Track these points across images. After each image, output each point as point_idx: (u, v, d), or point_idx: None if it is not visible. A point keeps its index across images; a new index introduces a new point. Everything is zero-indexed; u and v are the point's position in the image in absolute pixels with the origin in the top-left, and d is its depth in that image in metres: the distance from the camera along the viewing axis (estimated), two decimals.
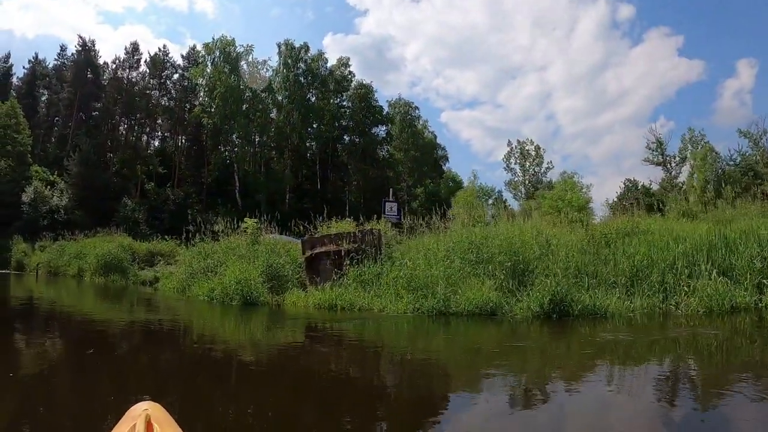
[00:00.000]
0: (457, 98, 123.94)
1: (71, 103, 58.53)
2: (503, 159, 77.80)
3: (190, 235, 22.15)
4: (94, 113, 60.33)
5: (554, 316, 11.00)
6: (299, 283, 16.66)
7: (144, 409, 2.49)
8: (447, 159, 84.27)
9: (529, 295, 11.53)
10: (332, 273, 15.81)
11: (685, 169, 53.49)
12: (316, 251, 16.54)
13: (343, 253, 15.83)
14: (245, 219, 20.65)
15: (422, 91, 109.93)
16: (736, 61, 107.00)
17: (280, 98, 62.32)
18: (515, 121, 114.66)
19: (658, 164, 55.62)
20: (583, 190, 58.56)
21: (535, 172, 77.20)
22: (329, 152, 67.31)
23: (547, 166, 76.27)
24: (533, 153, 77.90)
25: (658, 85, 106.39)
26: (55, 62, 65.49)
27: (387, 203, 23.72)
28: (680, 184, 51.90)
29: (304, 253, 17.04)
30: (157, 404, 2.63)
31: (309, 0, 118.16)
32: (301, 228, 19.47)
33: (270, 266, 16.49)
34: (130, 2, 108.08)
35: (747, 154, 50.01)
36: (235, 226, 20.63)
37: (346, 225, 19.68)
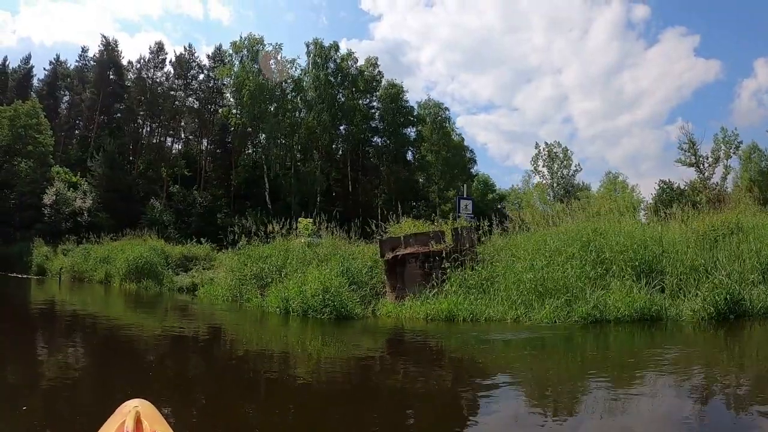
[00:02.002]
0: (472, 102, 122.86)
1: (94, 104, 56.38)
2: (531, 161, 76.23)
3: (235, 238, 19.57)
4: (117, 114, 58.22)
5: (731, 316, 10.06)
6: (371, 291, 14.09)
7: (134, 406, 2.53)
8: (475, 162, 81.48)
9: (686, 296, 10.80)
10: (421, 278, 13.45)
11: (719, 170, 52.28)
12: (399, 253, 13.88)
13: (434, 255, 13.62)
14: (299, 219, 18.47)
15: (438, 96, 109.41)
16: (753, 61, 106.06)
17: (309, 97, 59.72)
18: (532, 124, 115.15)
19: (690, 165, 53.84)
20: (627, 191, 55.76)
21: (563, 174, 75.12)
22: (360, 154, 64.74)
23: (575, 168, 74.47)
24: (561, 155, 75.97)
25: (674, 86, 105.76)
26: (77, 64, 63.50)
27: (462, 200, 21.70)
28: (714, 185, 49.99)
29: (383, 256, 14.42)
30: (146, 401, 2.65)
31: (323, 5, 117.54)
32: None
33: (346, 271, 13.87)
34: (146, 10, 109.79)
35: None
36: (268, 230, 19.13)
37: (411, 225, 17.32)
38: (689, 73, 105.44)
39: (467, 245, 13.97)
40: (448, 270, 13.36)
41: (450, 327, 11.58)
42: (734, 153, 52.31)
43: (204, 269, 24.15)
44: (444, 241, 14.19)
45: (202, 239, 28.44)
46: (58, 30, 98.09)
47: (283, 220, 19.50)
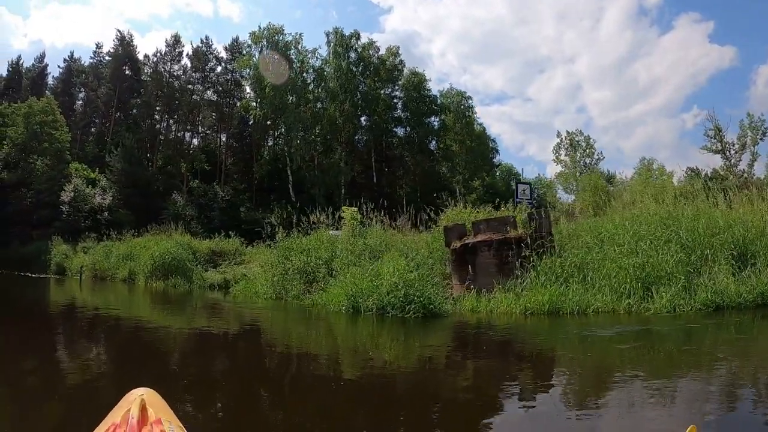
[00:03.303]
0: (485, 93, 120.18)
1: (110, 99, 54.97)
2: (553, 150, 74.21)
3: (274, 230, 17.87)
4: (133, 110, 56.49)
5: None
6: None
7: (140, 394, 2.47)
8: (497, 151, 79.37)
9: None
10: (496, 268, 11.83)
11: (746, 157, 51.05)
12: (470, 241, 12.04)
13: (511, 243, 12.03)
14: (343, 207, 16.79)
15: (450, 88, 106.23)
16: None
17: (331, 87, 57.84)
18: (546, 114, 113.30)
19: (716, 152, 52.50)
20: (664, 177, 53.69)
21: (586, 163, 72.87)
22: (383, 144, 62.86)
23: (597, 157, 72.13)
24: (583, 144, 73.72)
25: (689, 74, 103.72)
26: (91, 60, 61.93)
27: (519, 185, 20.63)
28: (740, 172, 49.20)
29: (449, 244, 12.59)
30: (152, 390, 2.60)
31: (332, 0, 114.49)
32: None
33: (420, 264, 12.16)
34: (155, 9, 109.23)
35: None
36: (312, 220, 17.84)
37: (460, 213, 15.82)
38: (704, 60, 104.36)
39: (546, 231, 12.11)
40: (532, 258, 11.60)
41: (558, 322, 9.92)
42: (761, 139, 50.84)
43: (235, 264, 22.42)
44: (516, 228, 12.37)
45: (230, 233, 26.70)
46: (69, 32, 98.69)
47: (324, 209, 18.07)
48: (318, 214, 17.71)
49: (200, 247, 24.91)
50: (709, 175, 50.52)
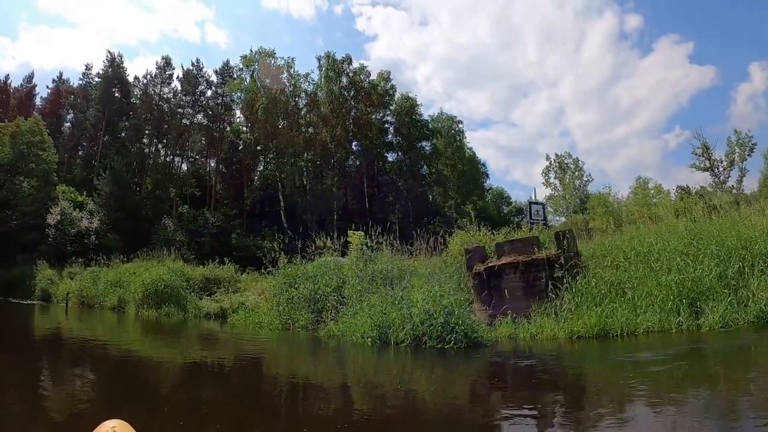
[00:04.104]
0: (470, 119, 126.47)
1: (98, 121, 53.94)
2: (542, 173, 74.56)
3: (275, 256, 16.99)
4: (122, 133, 55.36)
5: None
6: None
7: (112, 426, 2.51)
8: (488, 176, 79.26)
9: None
10: (523, 291, 11.37)
11: (734, 173, 52.22)
12: (494, 264, 11.32)
13: (540, 264, 11.49)
14: (350, 232, 16.02)
15: (440, 112, 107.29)
16: (747, 65, 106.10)
17: (323, 111, 57.32)
18: (530, 138, 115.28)
19: (705, 170, 53.39)
20: (661, 195, 53.67)
21: (575, 185, 73.08)
22: (376, 169, 62.25)
23: (586, 178, 72.04)
24: (572, 166, 74.00)
25: (670, 94, 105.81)
26: (80, 82, 61.11)
27: (533, 205, 19.54)
28: (729, 188, 49.75)
29: (470, 268, 11.85)
30: (124, 422, 2.59)
31: (318, 27, 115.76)
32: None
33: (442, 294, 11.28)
34: (143, 34, 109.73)
35: None
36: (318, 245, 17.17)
37: (474, 235, 15.37)
38: (685, 80, 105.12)
39: (574, 251, 11.47)
40: (566, 280, 11.02)
41: (615, 346, 9.40)
42: (749, 155, 51.91)
43: (231, 293, 21.49)
44: (540, 248, 11.73)
45: (225, 259, 25.76)
46: (58, 54, 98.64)
47: (319, 235, 17.32)
48: (316, 239, 16.97)
49: (194, 274, 23.88)
50: (699, 192, 51.20)
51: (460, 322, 10.08)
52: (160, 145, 58.59)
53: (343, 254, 16.68)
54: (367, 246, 15.83)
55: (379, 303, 11.82)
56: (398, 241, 17.24)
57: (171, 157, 59.81)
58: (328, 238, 16.57)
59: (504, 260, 11.57)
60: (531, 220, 18.10)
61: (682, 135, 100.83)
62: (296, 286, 14.78)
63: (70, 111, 59.28)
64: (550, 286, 11.07)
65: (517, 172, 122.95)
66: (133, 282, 23.45)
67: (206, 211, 50.95)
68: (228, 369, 9.78)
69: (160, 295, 20.94)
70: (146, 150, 56.95)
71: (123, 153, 50.96)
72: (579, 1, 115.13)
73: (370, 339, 11.07)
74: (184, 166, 61.28)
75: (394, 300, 11.48)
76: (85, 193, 46.04)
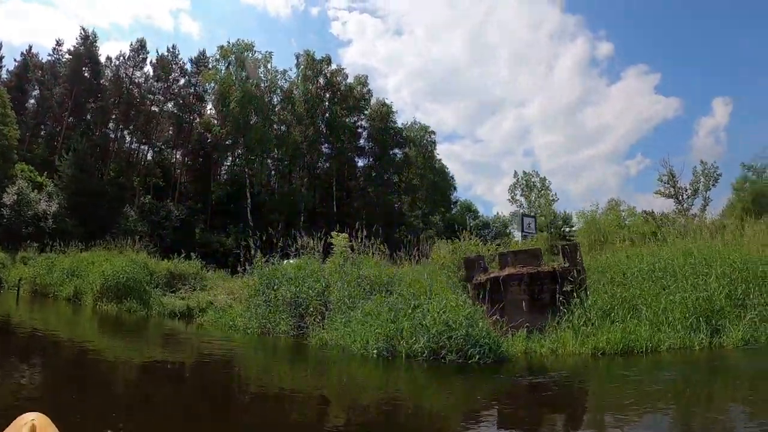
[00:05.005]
0: (437, 131, 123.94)
1: (65, 100, 51.85)
2: (508, 190, 74.99)
3: (251, 253, 16.14)
4: (88, 115, 53.33)
5: None
6: None
7: (31, 419, 2.45)
8: (455, 188, 79.22)
9: None
10: (527, 305, 10.84)
11: (698, 201, 54.24)
12: (498, 275, 10.81)
13: (545, 277, 11.03)
14: (332, 233, 15.32)
15: (414, 121, 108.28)
16: (711, 99, 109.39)
17: (298, 110, 56.39)
18: (495, 155, 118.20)
19: (669, 196, 55.43)
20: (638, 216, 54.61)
21: (540, 204, 73.77)
22: (345, 174, 61.53)
23: (552, 197, 72.82)
24: (539, 185, 74.64)
25: (635, 123, 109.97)
26: (50, 57, 58.56)
27: (525, 218, 20.23)
28: (692, 216, 49.62)
29: (470, 279, 11.31)
30: (43, 415, 2.53)
31: (293, 27, 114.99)
32: None
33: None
34: (116, 18, 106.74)
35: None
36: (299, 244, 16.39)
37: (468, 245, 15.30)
38: (650, 110, 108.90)
39: (581, 265, 11.17)
40: (575, 294, 10.71)
41: (636, 362, 9.15)
42: (713, 185, 54.35)
43: (198, 290, 20.49)
44: (565, 261, 11.53)
45: (192, 254, 24.61)
46: (28, 31, 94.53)
47: (285, 236, 17.19)
48: (297, 239, 16.18)
49: (158, 268, 22.73)
50: (662, 218, 52.56)
51: (485, 335, 9.30)
52: (126, 131, 56.61)
53: (325, 257, 15.81)
54: (352, 249, 15.10)
55: (375, 310, 11.00)
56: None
57: (137, 144, 58.02)
58: (310, 240, 15.71)
59: (508, 271, 11.01)
60: (524, 233, 18.30)
61: (644, 162, 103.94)
62: (275, 288, 13.89)
63: (37, 87, 56.86)
64: (559, 300, 10.64)
65: (479, 187, 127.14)
66: (91, 272, 22.18)
67: (170, 202, 49.52)
68: (203, 376, 8.88)
69: (122, 289, 19.73)
70: (111, 135, 55.07)
71: (88, 135, 49.12)
72: (554, 25, 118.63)
73: (375, 350, 10.07)
74: (150, 156, 59.46)
75: (406, 308, 10.51)
76: (45, 174, 44.17)
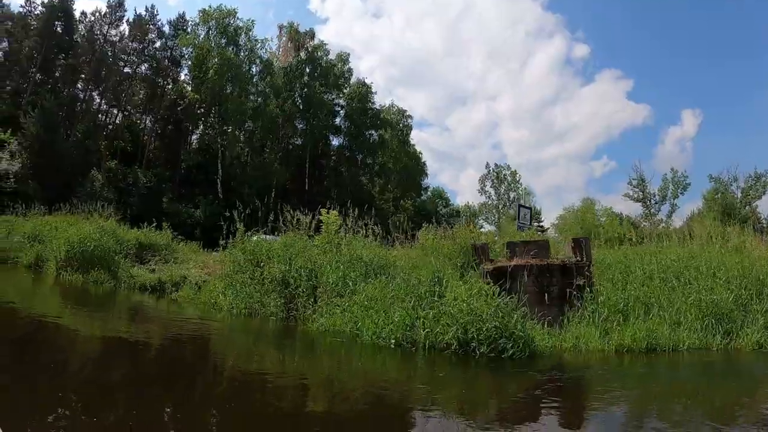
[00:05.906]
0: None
1: (34, 55, 49.66)
2: (479, 181, 78.60)
3: (231, 227, 15.26)
4: (57, 73, 51.32)
5: None
6: None
7: None
8: (427, 175, 78.48)
9: None
10: (535, 298, 10.09)
11: (665, 208, 56.64)
12: (508, 264, 10.23)
13: (554, 270, 10.43)
14: (322, 211, 14.57)
15: (391, 104, 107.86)
16: (681, 110, 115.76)
17: (276, 81, 54.99)
18: (462, 146, 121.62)
19: (638, 200, 57.73)
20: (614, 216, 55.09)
21: (509, 197, 77.17)
22: (320, 152, 60.43)
23: (522, 192, 76.74)
24: (509, 178, 78.36)
25: (604, 125, 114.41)
26: (21, 9, 55.80)
27: (522, 209, 19.69)
28: (659, 221, 54.65)
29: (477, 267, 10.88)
30: None
31: (273, 1, 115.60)
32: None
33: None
34: None
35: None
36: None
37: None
38: (620, 115, 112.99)
39: (591, 260, 10.88)
40: (588, 288, 10.25)
41: (658, 360, 8.84)
42: (681, 193, 56.22)
43: (167, 263, 19.40)
44: (574, 254, 11.01)
45: (163, 223, 23.39)
46: None
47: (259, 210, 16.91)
48: (287, 214, 15.20)
49: (128, 237, 21.46)
50: (632, 221, 53.73)
51: (519, 327, 8.53)
52: (95, 92, 54.53)
53: (312, 235, 14.87)
54: (345, 228, 14.23)
55: (379, 294, 10.13)
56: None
57: (106, 106, 55.96)
58: (294, 217, 14.77)
59: (516, 261, 10.35)
60: (519, 223, 17.75)
61: (609, 165, 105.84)
62: (262, 265, 12.97)
63: (5, 39, 54.30)
64: (572, 295, 10.10)
65: (444, 176, 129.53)
66: (55, 238, 20.87)
67: (138, 169, 47.92)
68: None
69: (88, 258, 18.54)
70: (81, 95, 53.01)
71: (56, 93, 47.10)
72: (532, 23, 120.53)
73: (393, 340, 9.18)
74: (119, 119, 57.42)
75: (429, 295, 9.53)
76: (10, 131, 42.18)
